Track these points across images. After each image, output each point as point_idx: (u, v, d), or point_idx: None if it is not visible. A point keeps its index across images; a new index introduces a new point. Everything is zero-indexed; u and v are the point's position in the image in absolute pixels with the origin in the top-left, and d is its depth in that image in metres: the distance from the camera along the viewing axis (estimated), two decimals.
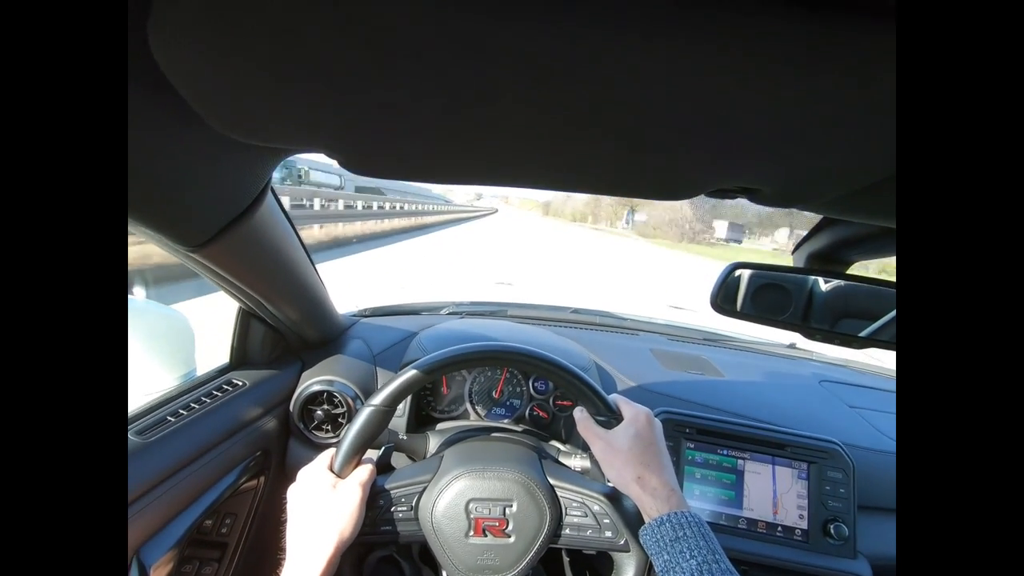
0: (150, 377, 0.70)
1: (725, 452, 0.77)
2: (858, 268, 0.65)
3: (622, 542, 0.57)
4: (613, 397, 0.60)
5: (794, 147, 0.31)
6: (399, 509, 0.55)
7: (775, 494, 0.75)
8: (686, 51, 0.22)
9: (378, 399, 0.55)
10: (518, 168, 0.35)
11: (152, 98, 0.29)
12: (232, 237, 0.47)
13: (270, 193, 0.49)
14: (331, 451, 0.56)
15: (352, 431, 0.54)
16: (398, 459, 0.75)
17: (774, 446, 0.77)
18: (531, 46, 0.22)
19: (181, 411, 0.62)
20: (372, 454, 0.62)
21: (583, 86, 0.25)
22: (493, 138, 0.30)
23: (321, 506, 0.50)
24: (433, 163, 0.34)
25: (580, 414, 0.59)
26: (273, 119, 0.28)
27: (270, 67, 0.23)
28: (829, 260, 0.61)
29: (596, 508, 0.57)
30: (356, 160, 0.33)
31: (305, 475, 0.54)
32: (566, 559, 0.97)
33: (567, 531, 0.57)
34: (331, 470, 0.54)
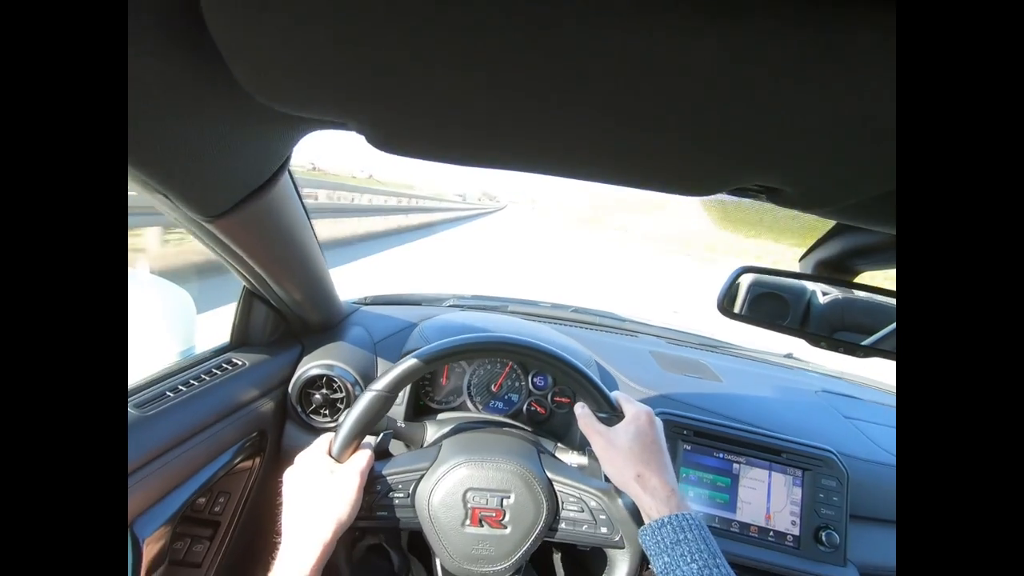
0: (151, 350, 0.69)
1: (721, 456, 0.78)
2: (864, 278, 0.65)
3: (617, 538, 0.57)
4: (615, 394, 0.60)
5: (820, 149, 0.31)
6: (396, 495, 0.55)
7: (769, 499, 0.75)
8: (721, 46, 0.22)
9: (380, 384, 0.55)
10: (543, 154, 0.35)
11: (188, 60, 0.29)
12: (249, 210, 0.47)
13: (287, 171, 0.49)
14: (329, 435, 0.55)
15: (352, 415, 0.54)
16: (395, 448, 0.75)
17: (770, 452, 0.77)
18: (569, 33, 0.22)
19: (180, 387, 0.62)
20: (370, 440, 0.61)
21: (617, 76, 0.25)
22: (523, 123, 0.30)
23: (319, 490, 0.50)
24: (461, 145, 0.34)
25: (581, 410, 0.59)
26: (308, 84, 0.28)
27: (315, 35, 0.23)
28: (837, 268, 0.62)
29: (593, 504, 0.57)
30: (384, 138, 0.33)
31: (303, 459, 0.53)
32: (556, 557, 0.98)
33: (563, 525, 0.57)
34: (329, 454, 0.53)
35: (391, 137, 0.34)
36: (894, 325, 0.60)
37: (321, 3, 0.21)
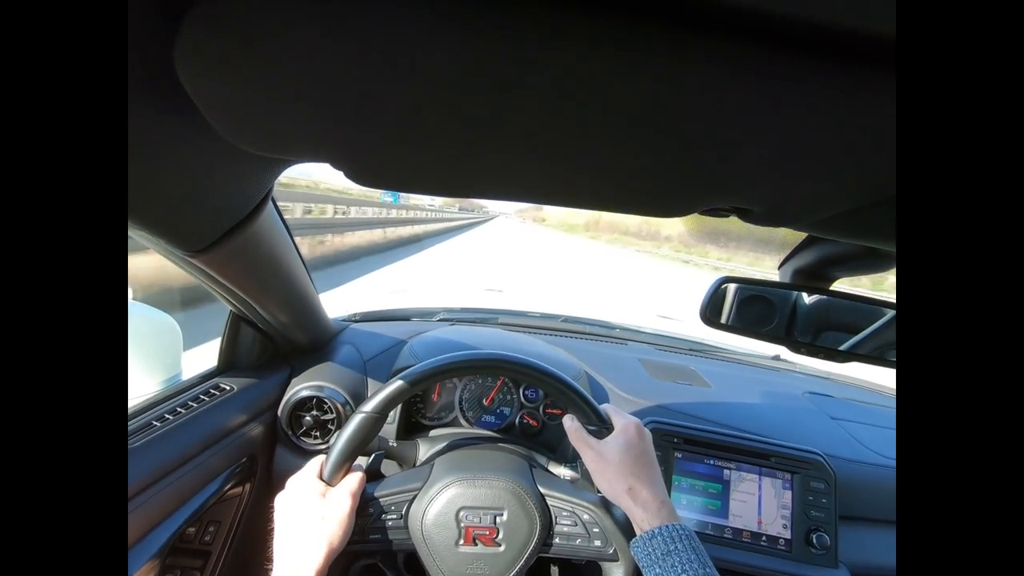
0: (136, 380, 0.68)
1: (712, 462, 0.78)
2: (840, 285, 0.67)
3: (611, 551, 0.57)
4: (604, 407, 0.60)
5: (788, 170, 0.32)
6: (389, 517, 0.55)
7: (760, 504, 0.76)
8: (686, 74, 0.23)
9: (369, 406, 0.55)
10: (516, 181, 0.36)
11: (162, 106, 0.29)
12: (232, 243, 0.47)
13: (270, 201, 0.49)
14: (320, 458, 0.55)
15: (342, 438, 0.54)
16: (387, 467, 0.74)
17: (760, 456, 0.78)
18: (534, 66, 0.23)
19: (167, 415, 0.61)
20: (362, 461, 0.61)
21: (585, 104, 0.25)
22: (493, 152, 0.31)
23: (310, 515, 0.50)
24: (435, 176, 0.35)
25: (571, 423, 0.59)
26: (283, 132, 0.29)
27: (285, 82, 0.24)
28: (813, 276, 0.63)
29: (586, 517, 0.58)
30: (361, 172, 0.34)
31: (294, 483, 0.53)
32: (554, 570, 0.97)
33: (557, 540, 0.57)
34: (320, 478, 0.53)
35: (369, 172, 0.34)
36: (870, 330, 0.62)
37: (291, 54, 0.22)
